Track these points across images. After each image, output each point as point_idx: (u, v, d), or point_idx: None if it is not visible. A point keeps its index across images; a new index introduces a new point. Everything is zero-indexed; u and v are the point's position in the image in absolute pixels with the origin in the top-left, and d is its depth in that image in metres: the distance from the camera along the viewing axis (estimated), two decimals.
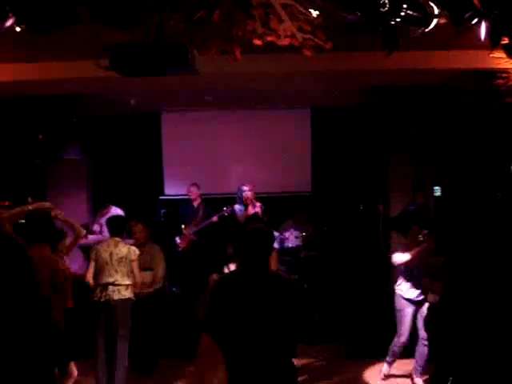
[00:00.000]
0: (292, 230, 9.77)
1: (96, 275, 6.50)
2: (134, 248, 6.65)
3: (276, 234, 9.57)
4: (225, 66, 6.02)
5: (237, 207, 9.33)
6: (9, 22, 4.32)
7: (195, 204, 10.01)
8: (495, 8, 4.22)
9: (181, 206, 10.25)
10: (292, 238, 9.67)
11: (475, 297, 3.22)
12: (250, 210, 9.23)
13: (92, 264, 6.55)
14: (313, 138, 11.41)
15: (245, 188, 9.17)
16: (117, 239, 6.59)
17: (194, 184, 10.05)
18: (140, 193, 11.28)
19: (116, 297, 6.36)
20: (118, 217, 7.81)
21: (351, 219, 11.36)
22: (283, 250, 9.43)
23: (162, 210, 10.94)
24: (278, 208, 10.08)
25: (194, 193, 9.99)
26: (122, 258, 6.47)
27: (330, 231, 10.30)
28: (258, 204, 9.32)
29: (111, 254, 6.48)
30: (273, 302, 3.54)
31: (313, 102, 10.91)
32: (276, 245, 9.18)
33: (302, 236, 9.73)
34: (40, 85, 8.14)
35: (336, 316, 8.54)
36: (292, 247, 9.63)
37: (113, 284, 6.39)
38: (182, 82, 7.89)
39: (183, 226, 9.86)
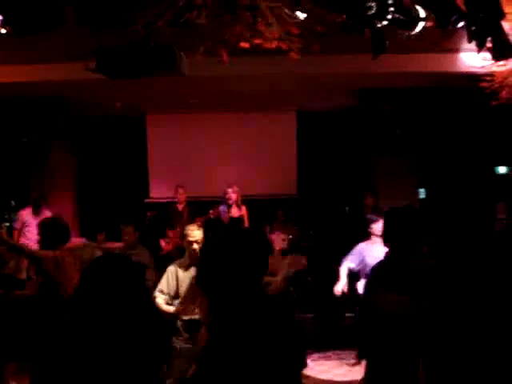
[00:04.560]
0: (279, 232, 9.77)
1: None
2: None
3: None
4: (211, 68, 6.02)
5: (221, 208, 9.36)
6: None
7: (180, 207, 9.93)
8: (480, 11, 4.26)
9: (165, 208, 10.14)
10: (279, 241, 9.65)
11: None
12: (235, 212, 9.25)
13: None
14: (298, 141, 11.42)
15: (229, 190, 9.23)
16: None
17: (182, 186, 9.85)
18: (125, 195, 11.22)
19: None
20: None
21: (337, 222, 11.36)
22: None
23: (148, 213, 10.85)
24: (264, 211, 10.08)
25: (183, 195, 9.89)
26: None
27: (317, 234, 10.29)
28: (243, 207, 9.34)
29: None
30: None
31: (299, 104, 10.91)
32: None
33: (288, 239, 9.71)
34: (26, 87, 8.09)
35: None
36: (278, 250, 9.59)
37: None
38: (168, 84, 7.88)
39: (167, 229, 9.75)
